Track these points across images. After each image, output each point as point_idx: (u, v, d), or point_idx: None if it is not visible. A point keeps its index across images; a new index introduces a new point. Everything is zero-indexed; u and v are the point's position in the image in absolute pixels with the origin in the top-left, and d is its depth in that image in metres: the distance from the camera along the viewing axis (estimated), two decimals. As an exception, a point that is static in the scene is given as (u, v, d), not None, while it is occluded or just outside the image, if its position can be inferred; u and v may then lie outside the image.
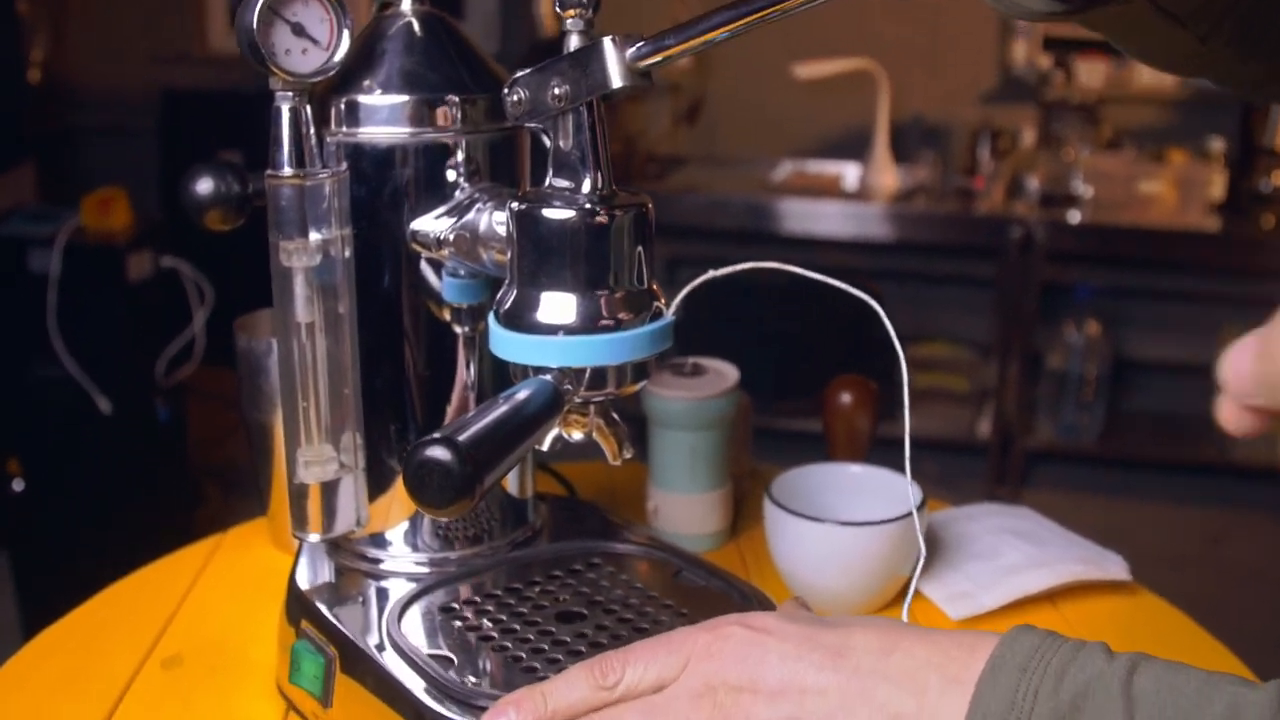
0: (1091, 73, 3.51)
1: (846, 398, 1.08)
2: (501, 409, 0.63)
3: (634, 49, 0.66)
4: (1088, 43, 3.50)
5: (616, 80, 0.66)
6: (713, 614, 0.77)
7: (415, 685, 0.72)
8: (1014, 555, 1.01)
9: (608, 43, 0.66)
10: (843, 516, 0.93)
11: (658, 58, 0.65)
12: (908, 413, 0.77)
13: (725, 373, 1.06)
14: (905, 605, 0.78)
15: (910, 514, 0.90)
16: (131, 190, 2.85)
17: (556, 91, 0.68)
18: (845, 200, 3.44)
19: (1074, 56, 3.51)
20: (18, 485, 2.86)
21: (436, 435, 0.58)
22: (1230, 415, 0.61)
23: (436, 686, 0.71)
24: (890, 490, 0.97)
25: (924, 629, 0.62)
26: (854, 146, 3.65)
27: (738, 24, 0.63)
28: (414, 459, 0.58)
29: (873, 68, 3.42)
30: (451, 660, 0.74)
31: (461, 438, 0.58)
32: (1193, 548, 3.19)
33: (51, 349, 2.71)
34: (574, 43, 0.68)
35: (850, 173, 3.64)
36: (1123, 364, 3.50)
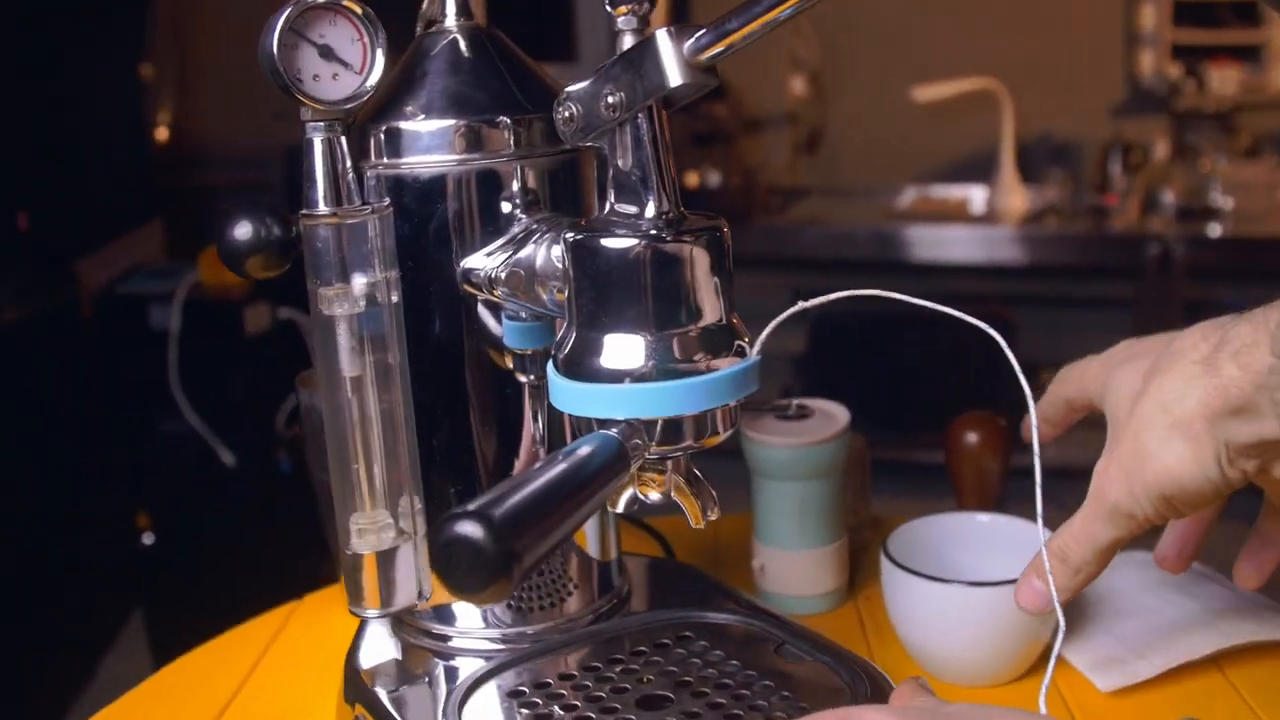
0: (1224, 79, 3.36)
1: (973, 438, 0.97)
2: (554, 471, 0.54)
3: (692, 40, 0.57)
4: (1218, 48, 3.35)
5: (675, 78, 0.57)
6: (817, 695, 0.68)
7: (472, 788, 0.63)
8: (1172, 613, 0.89)
9: (662, 35, 0.57)
10: (970, 575, 0.82)
11: (720, 47, 0.56)
12: (1037, 458, 0.67)
13: (834, 414, 0.96)
14: (1045, 679, 0.67)
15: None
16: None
17: (610, 100, 0.59)
18: (973, 224, 3.33)
19: (1205, 64, 3.36)
20: (148, 539, 2.87)
21: (469, 507, 0.49)
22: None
23: (496, 790, 0.62)
24: (1024, 542, 0.86)
25: None
26: (980, 169, 3.53)
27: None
28: (440, 535, 0.49)
29: (995, 87, 3.31)
30: (515, 758, 0.65)
31: (498, 510, 0.49)
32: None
33: (174, 403, 2.71)
34: (627, 43, 0.59)
35: (977, 196, 3.53)
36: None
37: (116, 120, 3.36)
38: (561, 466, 0.55)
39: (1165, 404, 0.62)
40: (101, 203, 3.14)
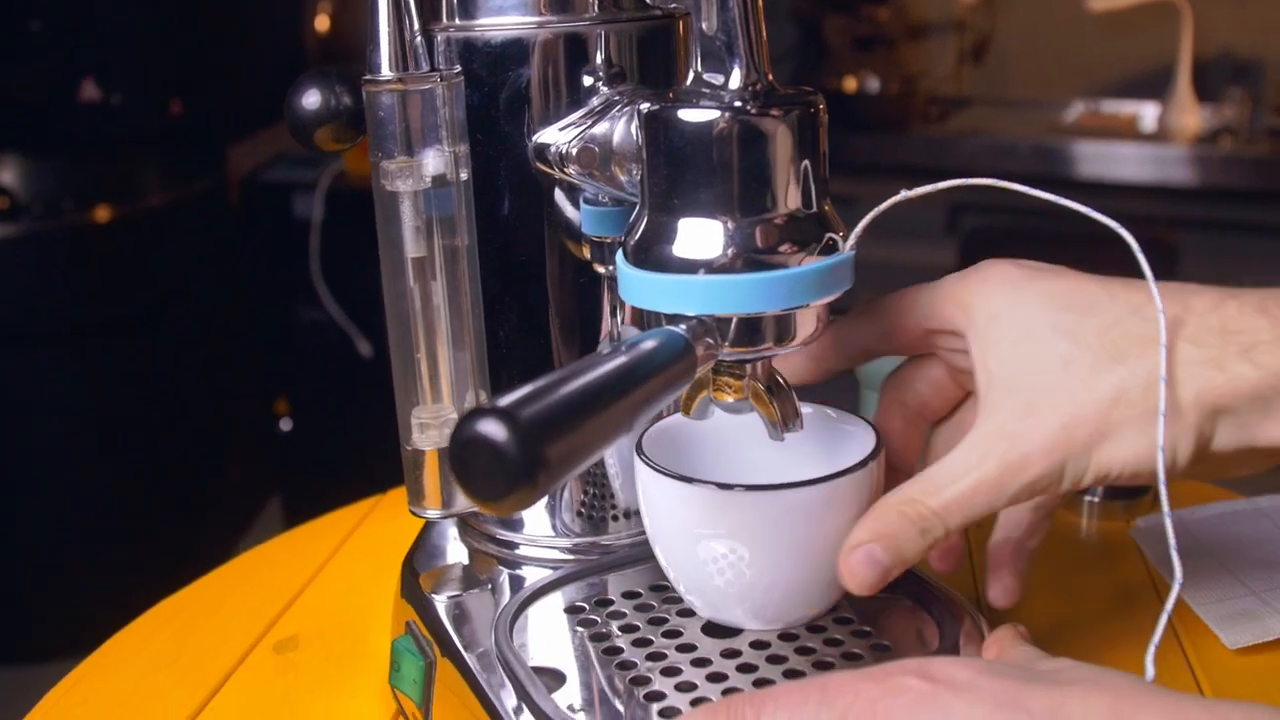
0: None
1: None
2: (605, 367, 0.48)
3: None
4: None
5: None
6: (902, 635, 0.61)
7: (508, 705, 0.58)
8: (1319, 563, 0.80)
9: None
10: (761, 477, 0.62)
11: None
12: (1164, 370, 0.58)
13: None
14: (1155, 636, 0.58)
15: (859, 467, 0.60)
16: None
17: None
18: (1142, 142, 3.19)
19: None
20: (285, 425, 2.90)
21: (496, 402, 0.43)
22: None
23: (533, 710, 0.57)
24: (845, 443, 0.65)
25: (1174, 697, 0.44)
26: (1153, 85, 3.36)
27: None
28: (459, 433, 0.43)
29: (1175, -2, 3.13)
30: (562, 678, 0.59)
31: (527, 409, 0.43)
32: None
33: (315, 293, 2.71)
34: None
35: (1148, 113, 3.37)
36: None
37: (273, 8, 3.35)
38: (614, 363, 0.48)
39: (1150, 385, 0.54)
40: (255, 91, 3.15)
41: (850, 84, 3.28)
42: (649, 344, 0.51)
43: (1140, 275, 0.57)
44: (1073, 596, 0.80)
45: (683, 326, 0.53)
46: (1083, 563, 0.86)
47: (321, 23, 3.88)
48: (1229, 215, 3.30)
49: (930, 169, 3.08)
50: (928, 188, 0.58)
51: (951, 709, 0.44)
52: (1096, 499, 0.91)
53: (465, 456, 0.43)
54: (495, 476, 0.42)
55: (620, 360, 0.49)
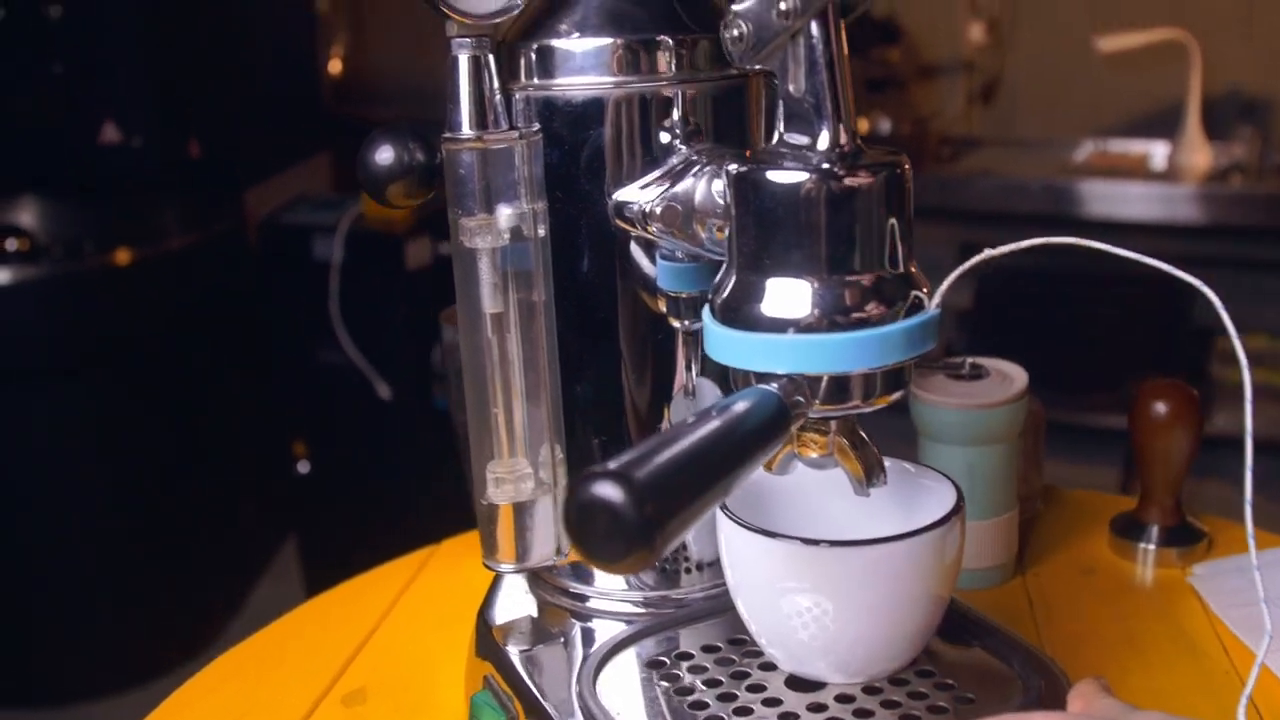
0: None
1: (1161, 408, 0.89)
2: (706, 428, 0.49)
3: None
4: None
5: None
6: (986, 687, 0.62)
7: (601, 765, 0.58)
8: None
9: None
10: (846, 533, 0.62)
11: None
12: (1249, 413, 0.59)
13: (1011, 375, 0.89)
14: (1246, 690, 0.59)
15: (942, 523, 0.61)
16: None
17: (783, 7, 0.52)
18: (1152, 181, 3.21)
19: None
20: (303, 468, 2.90)
21: (609, 466, 0.44)
22: None
23: (627, 769, 0.57)
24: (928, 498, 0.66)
25: None
26: (1163, 124, 3.39)
27: None
28: (576, 497, 0.44)
29: (1183, 37, 3.16)
30: (650, 735, 0.60)
31: (641, 471, 0.44)
32: None
33: (334, 335, 2.72)
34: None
35: (1158, 152, 3.39)
36: None
37: (290, 51, 3.38)
38: (715, 424, 0.49)
39: None
40: (272, 133, 3.17)
41: (863, 125, 3.30)
42: (744, 404, 0.52)
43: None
44: (1137, 646, 0.81)
45: (774, 385, 0.54)
46: (1143, 611, 0.86)
47: (335, 66, 3.91)
48: (1241, 253, 3.31)
49: (944, 209, 3.10)
50: (1009, 247, 0.58)
51: None
52: (1152, 546, 0.91)
53: (583, 519, 0.43)
54: (614, 539, 0.43)
55: (720, 421, 0.49)
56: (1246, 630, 0.81)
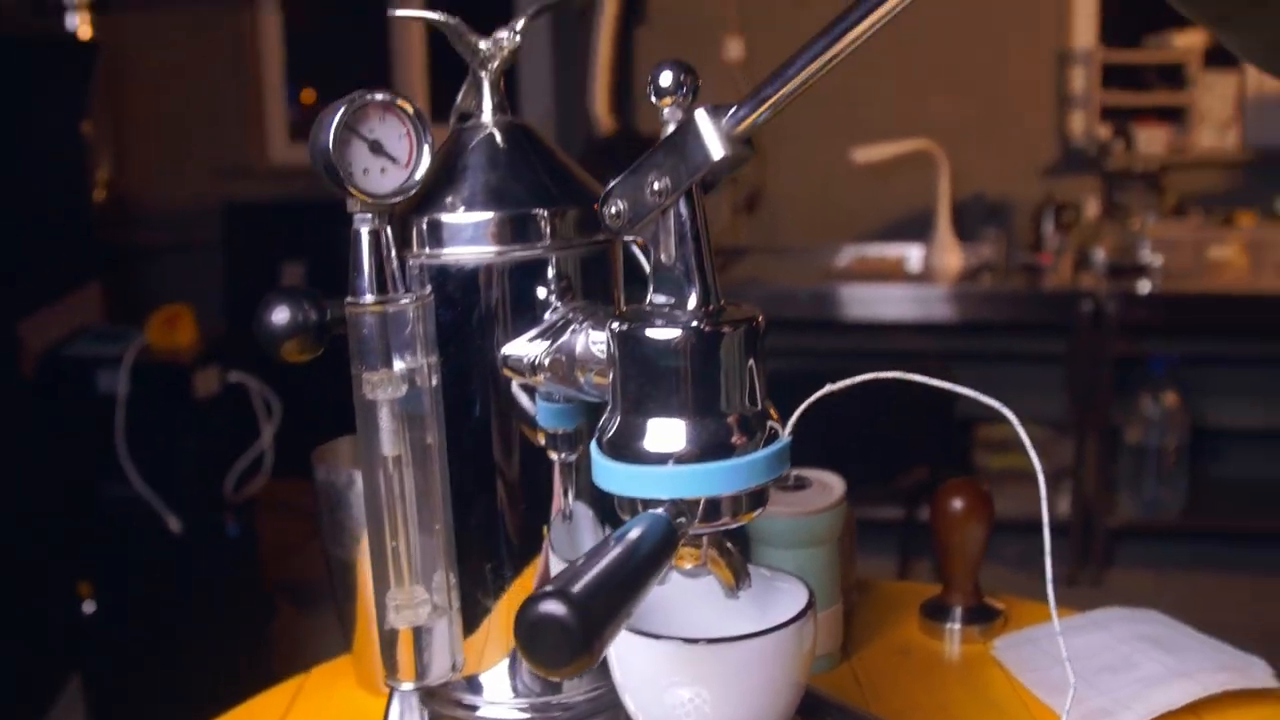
0: (1151, 140, 3.48)
1: (958, 504, 1.02)
2: (615, 552, 0.58)
3: (729, 115, 0.61)
4: (1145, 110, 3.47)
5: (717, 151, 0.61)
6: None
7: None
8: (1152, 666, 0.93)
9: (701, 115, 0.61)
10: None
11: (756, 116, 0.60)
12: (1045, 501, 0.71)
13: (830, 484, 1.00)
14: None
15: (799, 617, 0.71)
16: (196, 305, 2.86)
17: (655, 186, 0.63)
18: (909, 283, 3.41)
19: (1133, 125, 3.48)
20: (88, 607, 2.84)
21: (549, 589, 0.53)
22: None
23: None
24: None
25: None
26: (916, 228, 3.62)
27: (825, 57, 0.58)
28: (526, 616, 0.52)
29: (932, 148, 3.40)
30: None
31: (576, 589, 0.53)
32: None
33: (120, 469, 2.71)
34: (669, 131, 0.63)
35: (914, 255, 3.61)
36: (1203, 434, 3.42)
37: (60, 176, 3.35)
38: (621, 547, 0.58)
39: None
40: (42, 262, 3.13)
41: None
42: (639, 529, 0.61)
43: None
44: (952, 714, 0.92)
45: (661, 509, 0.63)
46: (955, 683, 0.98)
47: (99, 194, 3.88)
48: (993, 347, 3.56)
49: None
50: (846, 383, 0.69)
51: None
52: (958, 626, 1.03)
53: (533, 634, 0.52)
54: (560, 649, 0.52)
55: (625, 545, 0.59)
56: (1045, 691, 0.93)
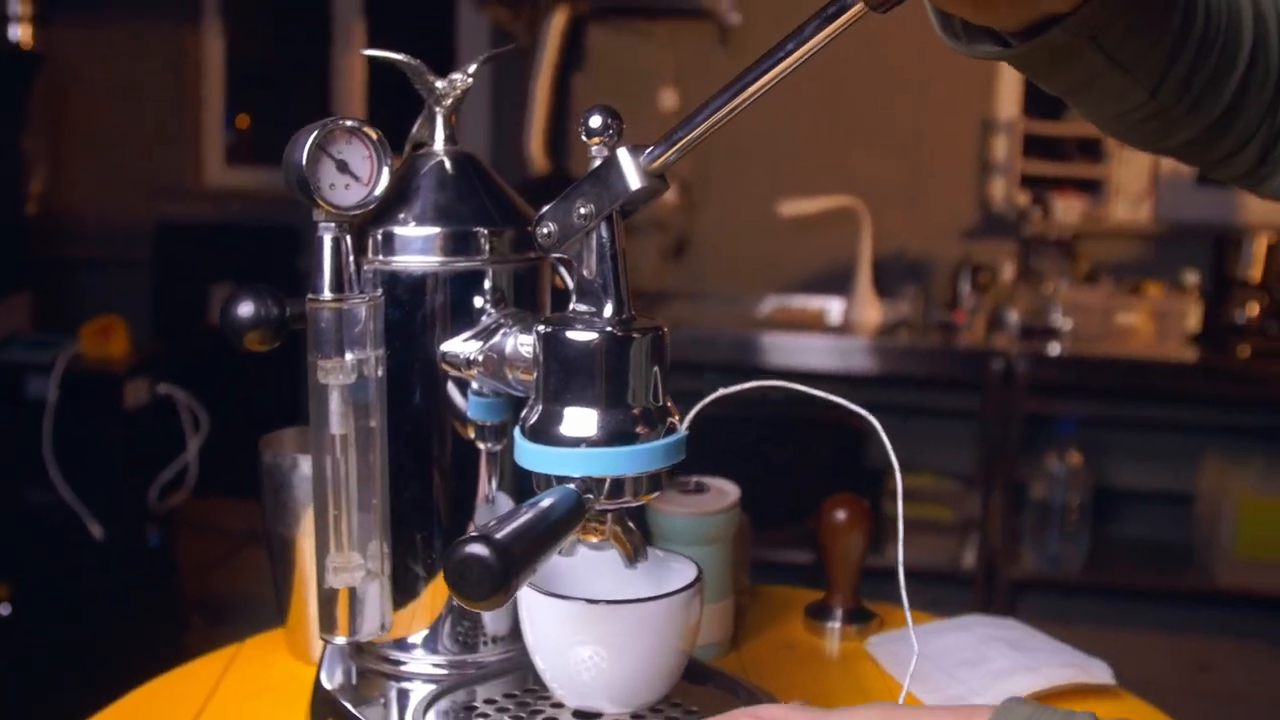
0: (1068, 209, 3.60)
1: (841, 515, 1.13)
2: (530, 514, 0.69)
3: (646, 153, 0.73)
4: (1064, 180, 3.62)
5: (635, 183, 0.72)
6: (716, 714, 0.82)
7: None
8: (1003, 661, 1.05)
9: (622, 152, 0.73)
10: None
11: (669, 155, 0.72)
12: (901, 526, 0.82)
13: (727, 490, 1.12)
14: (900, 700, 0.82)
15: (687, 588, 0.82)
16: (126, 319, 2.92)
17: (582, 211, 0.74)
18: (829, 334, 3.49)
19: (1051, 194, 3.62)
20: (4, 610, 2.86)
21: (475, 533, 0.63)
22: None
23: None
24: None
25: (921, 708, 0.67)
26: (838, 282, 3.71)
27: (737, 101, 0.70)
28: (454, 555, 0.63)
29: (855, 205, 3.51)
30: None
31: (498, 536, 0.64)
32: (1180, 676, 3.21)
33: (46, 474, 2.74)
34: (594, 165, 0.75)
35: (834, 307, 3.70)
36: (1105, 493, 3.54)
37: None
38: (535, 512, 0.69)
39: None
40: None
41: (559, 282, 3.51)
42: (551, 499, 0.72)
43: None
44: (830, 700, 1.03)
45: (572, 485, 0.74)
46: (833, 673, 1.09)
47: (32, 206, 3.91)
48: (908, 400, 3.67)
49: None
50: (738, 387, 0.81)
51: None
52: (838, 625, 1.15)
53: (460, 570, 0.63)
54: (483, 583, 0.62)
55: (539, 509, 0.70)
56: (911, 680, 1.05)
